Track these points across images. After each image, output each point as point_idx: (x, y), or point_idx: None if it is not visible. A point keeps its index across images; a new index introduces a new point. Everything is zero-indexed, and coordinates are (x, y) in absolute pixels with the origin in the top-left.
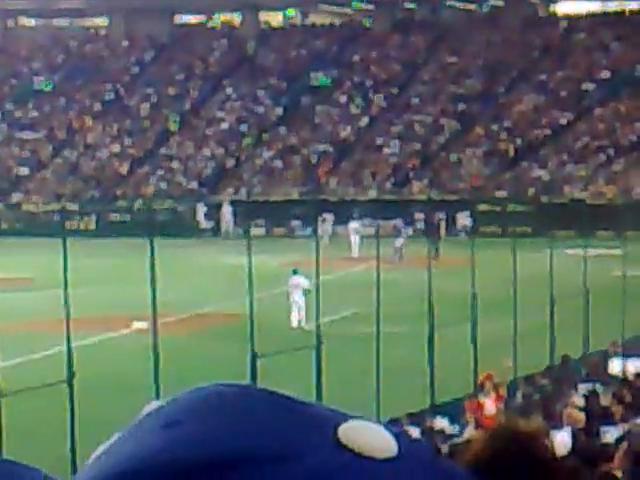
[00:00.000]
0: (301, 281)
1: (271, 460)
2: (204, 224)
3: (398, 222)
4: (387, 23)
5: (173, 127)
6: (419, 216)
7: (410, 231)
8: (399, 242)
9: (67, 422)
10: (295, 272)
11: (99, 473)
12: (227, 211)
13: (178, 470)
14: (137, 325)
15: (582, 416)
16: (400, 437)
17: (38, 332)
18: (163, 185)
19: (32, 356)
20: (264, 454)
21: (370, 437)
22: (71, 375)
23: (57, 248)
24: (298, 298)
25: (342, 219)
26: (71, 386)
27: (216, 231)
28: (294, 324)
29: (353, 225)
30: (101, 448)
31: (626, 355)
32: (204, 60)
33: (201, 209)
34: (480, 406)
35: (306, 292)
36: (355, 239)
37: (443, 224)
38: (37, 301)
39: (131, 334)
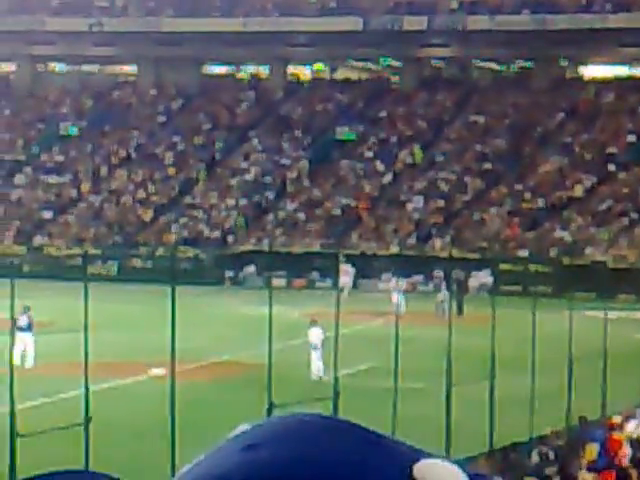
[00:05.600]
0: (318, 332)
1: None
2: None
3: (440, 277)
4: (414, 80)
5: (198, 176)
6: (438, 273)
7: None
8: (440, 297)
9: (82, 465)
10: (313, 324)
11: None
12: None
13: None
14: (155, 371)
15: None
16: (474, 478)
17: (56, 375)
18: (185, 233)
19: (50, 399)
20: None
21: (445, 476)
22: (87, 419)
23: (78, 292)
24: (318, 349)
25: (363, 273)
26: (87, 429)
27: (238, 280)
28: (316, 376)
29: (394, 283)
30: (186, 467)
31: None
32: (231, 111)
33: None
34: (621, 445)
35: (322, 343)
36: (397, 296)
37: (470, 281)
38: (56, 344)
39: (149, 380)
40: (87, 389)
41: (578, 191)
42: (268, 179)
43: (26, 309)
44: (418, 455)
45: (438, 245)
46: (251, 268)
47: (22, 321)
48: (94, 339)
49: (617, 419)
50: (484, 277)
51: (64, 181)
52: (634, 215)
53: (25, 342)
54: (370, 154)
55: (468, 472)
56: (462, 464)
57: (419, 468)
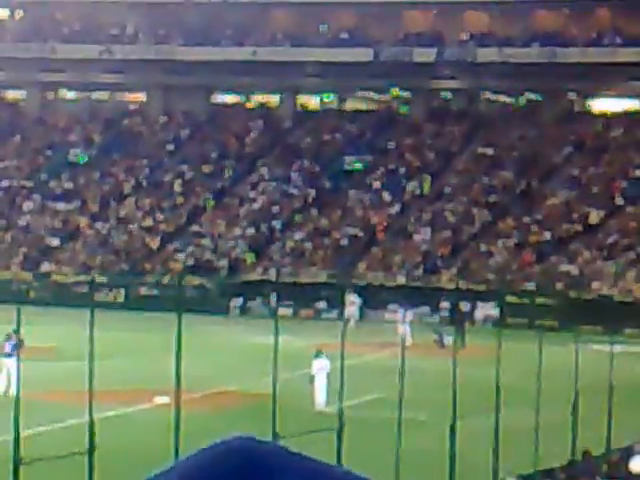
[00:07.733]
0: (322, 363)
1: None
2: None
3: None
4: (423, 111)
5: (206, 205)
6: (444, 305)
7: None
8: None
9: None
10: (318, 354)
11: None
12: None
13: None
14: (159, 400)
15: None
16: None
17: (61, 402)
18: (192, 262)
19: (53, 426)
20: None
21: None
22: (92, 447)
23: (84, 319)
24: (322, 380)
25: (370, 303)
26: (91, 457)
27: (244, 310)
28: (318, 407)
29: (401, 314)
30: None
31: None
32: (240, 140)
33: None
34: None
35: (326, 375)
36: (403, 328)
37: (475, 313)
38: (61, 371)
39: (153, 409)
40: (92, 417)
41: (585, 224)
42: (276, 208)
43: (10, 335)
44: None
45: (445, 276)
46: (257, 297)
47: (7, 347)
48: (99, 366)
49: None
50: (490, 309)
51: (72, 208)
52: None
53: (9, 368)
54: (378, 184)
55: None
56: None
57: None
